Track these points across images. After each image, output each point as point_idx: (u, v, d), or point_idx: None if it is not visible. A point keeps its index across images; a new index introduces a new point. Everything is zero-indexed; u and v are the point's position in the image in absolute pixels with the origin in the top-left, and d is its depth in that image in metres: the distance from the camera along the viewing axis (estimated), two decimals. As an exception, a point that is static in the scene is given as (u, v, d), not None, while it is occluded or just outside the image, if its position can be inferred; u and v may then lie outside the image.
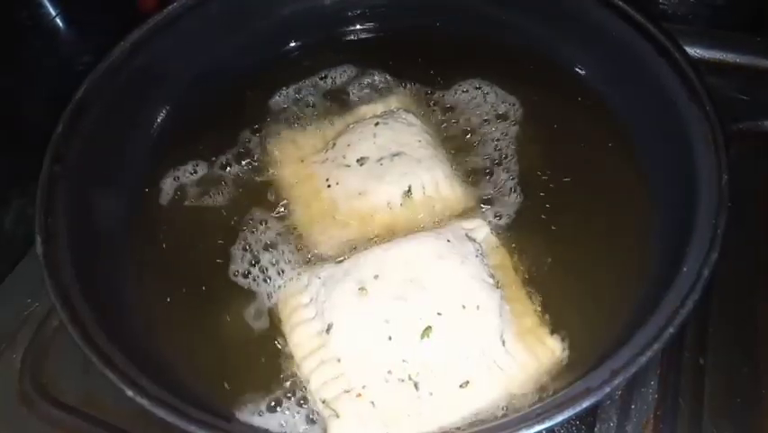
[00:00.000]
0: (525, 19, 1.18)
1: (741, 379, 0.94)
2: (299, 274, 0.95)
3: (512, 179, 1.03)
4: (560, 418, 0.67)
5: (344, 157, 1.03)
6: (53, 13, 1.37)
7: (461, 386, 0.82)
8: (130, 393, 0.70)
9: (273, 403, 0.85)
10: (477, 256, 0.91)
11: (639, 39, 1.01)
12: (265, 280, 0.95)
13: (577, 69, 1.15)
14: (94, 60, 1.03)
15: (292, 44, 1.25)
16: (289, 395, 0.85)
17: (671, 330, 0.71)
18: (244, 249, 0.99)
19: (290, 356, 0.88)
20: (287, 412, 0.84)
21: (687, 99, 0.93)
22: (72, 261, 0.86)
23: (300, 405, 0.84)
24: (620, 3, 1.04)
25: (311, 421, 0.83)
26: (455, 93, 1.15)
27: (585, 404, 0.68)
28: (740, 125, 1.15)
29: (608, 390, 0.68)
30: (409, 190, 1.00)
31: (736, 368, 0.94)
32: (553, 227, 0.97)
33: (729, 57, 1.24)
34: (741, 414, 0.91)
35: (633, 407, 0.91)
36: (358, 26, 1.26)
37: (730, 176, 0.83)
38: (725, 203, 0.80)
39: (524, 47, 1.18)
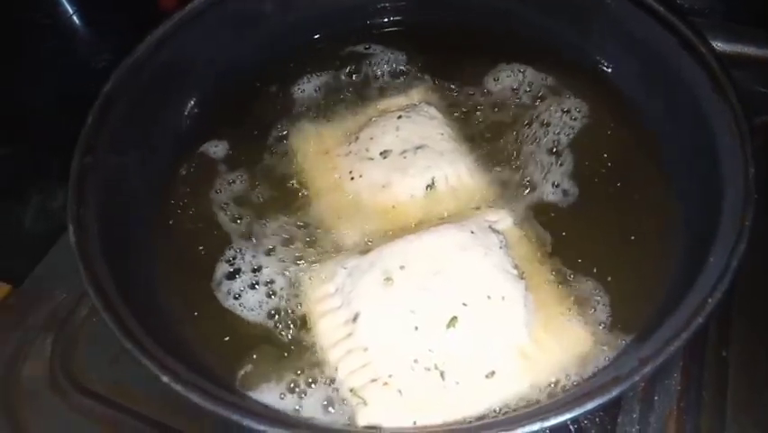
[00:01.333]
0: (547, 15, 1.17)
1: (765, 373, 0.93)
2: (323, 265, 0.96)
3: (537, 171, 1.04)
4: (588, 406, 0.67)
5: (367, 150, 1.04)
6: (70, 11, 1.38)
7: (486, 376, 0.83)
8: (165, 379, 0.71)
9: (302, 390, 0.85)
10: (501, 247, 0.92)
11: (662, 32, 1.00)
12: (288, 271, 0.96)
13: (601, 65, 1.15)
14: (112, 58, 1.04)
15: (316, 37, 1.26)
16: (317, 382, 0.86)
17: (699, 320, 0.71)
18: (268, 240, 1.00)
19: (316, 345, 0.89)
20: (313, 399, 0.85)
21: (711, 92, 0.92)
22: (102, 250, 0.87)
23: (327, 392, 0.85)
24: (642, -3, 1.04)
25: (336, 408, 0.84)
26: (478, 86, 1.16)
27: (614, 393, 0.68)
28: (762, 118, 1.15)
29: (636, 378, 0.68)
30: (432, 183, 1.01)
31: (760, 362, 0.94)
32: (577, 220, 0.97)
33: (748, 50, 1.24)
34: (764, 408, 0.91)
35: (656, 399, 0.91)
36: (382, 19, 1.27)
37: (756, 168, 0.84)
38: (752, 195, 0.80)
39: (547, 43, 1.18)
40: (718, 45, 1.21)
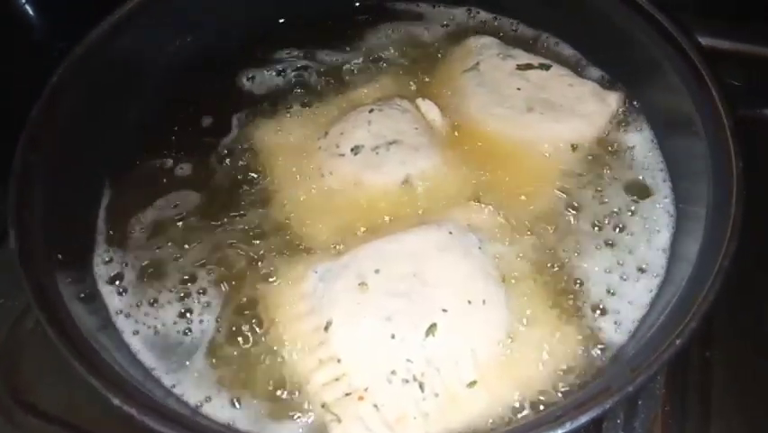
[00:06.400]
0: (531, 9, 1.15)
1: (748, 372, 0.92)
2: (292, 267, 0.90)
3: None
4: (582, 420, 0.63)
5: (338, 146, 0.99)
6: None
7: (468, 386, 0.79)
8: (116, 402, 0.65)
9: (269, 406, 0.80)
10: (480, 248, 0.88)
11: (645, 26, 0.97)
12: (253, 273, 0.90)
13: (583, 57, 1.12)
14: (67, 47, 0.98)
15: (281, 21, 1.19)
16: (284, 397, 0.81)
17: (693, 324, 0.68)
18: (233, 241, 0.94)
19: (283, 355, 0.83)
20: (281, 416, 0.79)
21: (695, 86, 0.90)
22: (49, 256, 0.81)
23: (297, 408, 0.80)
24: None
25: (307, 426, 0.79)
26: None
27: (607, 406, 0.64)
28: (738, 112, 1.14)
29: (630, 389, 0.65)
30: (407, 179, 0.96)
31: (743, 361, 0.93)
32: (562, 217, 0.94)
33: (723, 44, 1.22)
34: (749, 408, 0.90)
35: (640, 403, 0.89)
36: (349, 5, 1.21)
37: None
38: (741, 192, 0.78)
39: (529, 35, 1.16)
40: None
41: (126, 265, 0.93)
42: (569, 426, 0.63)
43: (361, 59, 1.14)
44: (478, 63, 1.09)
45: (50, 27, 1.34)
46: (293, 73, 1.13)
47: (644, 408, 0.89)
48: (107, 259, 0.93)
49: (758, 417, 0.90)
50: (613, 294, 0.87)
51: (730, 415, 0.89)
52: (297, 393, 0.80)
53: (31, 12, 1.31)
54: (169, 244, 0.94)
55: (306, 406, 0.79)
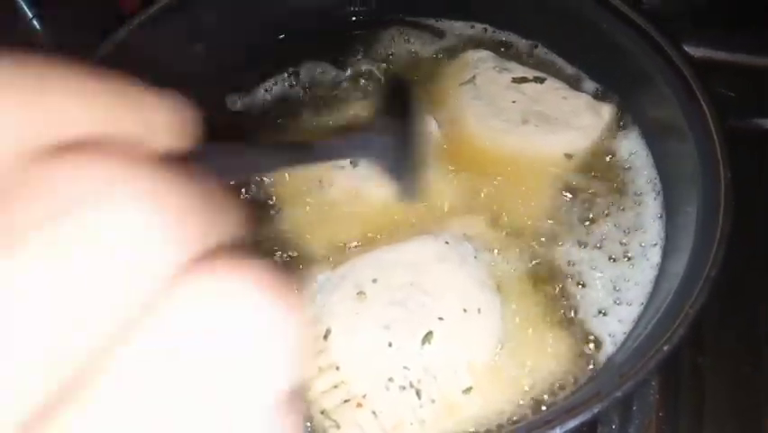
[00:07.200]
0: (519, 20, 1.16)
1: (741, 376, 0.93)
2: (292, 277, 0.92)
3: (511, 177, 1.01)
4: (571, 424, 0.65)
5: (337, 158, 1.01)
6: (30, 14, 1.32)
7: (464, 392, 0.80)
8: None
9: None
10: (475, 257, 0.90)
11: (636, 38, 0.98)
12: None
13: (577, 68, 1.13)
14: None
15: (281, 37, 1.20)
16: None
17: (681, 331, 0.70)
18: (234, 252, 0.95)
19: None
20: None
21: (685, 98, 0.91)
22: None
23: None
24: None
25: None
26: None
27: (596, 410, 0.66)
28: (729, 122, 1.15)
29: (618, 394, 0.66)
30: (405, 190, 0.98)
31: (736, 365, 0.93)
32: (552, 228, 0.95)
33: (715, 54, 1.23)
34: (742, 412, 0.90)
35: (634, 408, 0.89)
36: (346, 21, 1.22)
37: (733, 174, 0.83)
38: (729, 200, 0.79)
39: (519, 46, 1.17)
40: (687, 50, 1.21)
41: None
42: (558, 430, 0.64)
43: (359, 73, 1.16)
44: (474, 77, 1.10)
45: (58, 42, 1.36)
46: (292, 89, 1.15)
47: (639, 413, 0.89)
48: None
49: (751, 420, 0.90)
50: (607, 303, 0.88)
51: (723, 419, 0.90)
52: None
53: (38, 27, 1.32)
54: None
55: (305, 413, 0.80)
